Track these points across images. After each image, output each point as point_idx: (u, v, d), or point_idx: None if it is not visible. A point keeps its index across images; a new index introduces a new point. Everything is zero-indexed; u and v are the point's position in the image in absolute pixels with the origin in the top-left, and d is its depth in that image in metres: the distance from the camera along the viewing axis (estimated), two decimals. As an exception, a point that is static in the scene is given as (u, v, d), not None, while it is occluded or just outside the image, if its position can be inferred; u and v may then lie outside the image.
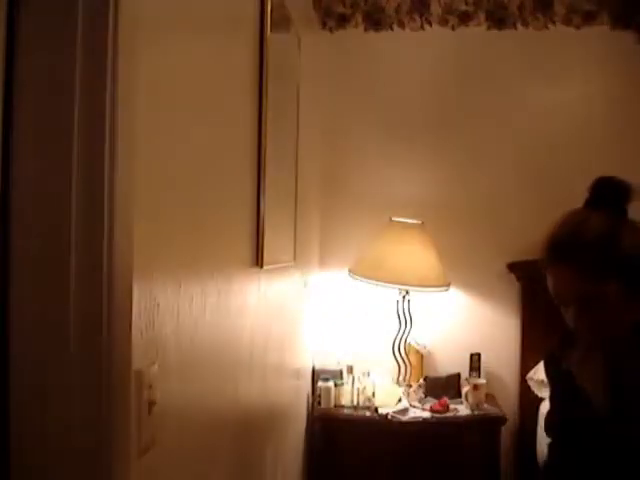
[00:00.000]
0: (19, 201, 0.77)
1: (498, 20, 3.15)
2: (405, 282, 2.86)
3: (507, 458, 2.94)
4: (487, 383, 2.91)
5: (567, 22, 3.10)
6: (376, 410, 2.80)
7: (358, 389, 2.86)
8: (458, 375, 2.97)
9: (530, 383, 2.94)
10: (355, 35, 3.22)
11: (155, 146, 0.99)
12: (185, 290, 1.13)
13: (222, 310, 1.38)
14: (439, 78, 3.20)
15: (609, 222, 1.26)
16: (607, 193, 1.29)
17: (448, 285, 2.93)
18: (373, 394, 2.83)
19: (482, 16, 3.16)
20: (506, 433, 2.86)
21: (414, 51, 3.21)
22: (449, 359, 3.10)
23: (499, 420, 2.80)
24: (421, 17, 3.19)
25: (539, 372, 2.85)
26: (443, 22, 3.18)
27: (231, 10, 1.47)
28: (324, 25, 3.21)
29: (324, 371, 2.98)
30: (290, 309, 2.45)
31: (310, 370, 3.03)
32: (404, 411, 2.77)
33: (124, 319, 0.84)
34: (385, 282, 2.86)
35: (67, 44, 0.77)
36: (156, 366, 0.98)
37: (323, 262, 3.23)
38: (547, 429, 1.45)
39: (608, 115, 3.09)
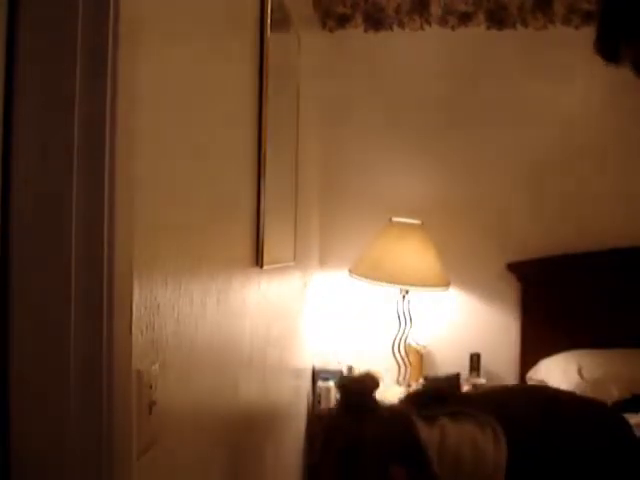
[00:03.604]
0: (19, 201, 0.77)
1: (498, 20, 3.15)
2: (405, 282, 2.86)
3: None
4: (487, 383, 2.91)
5: (567, 22, 3.10)
6: (376, 410, 2.79)
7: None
8: (458, 375, 2.97)
9: (530, 383, 2.94)
10: (355, 35, 3.21)
11: (155, 146, 0.99)
12: (185, 290, 1.13)
13: (222, 310, 1.38)
14: (439, 78, 3.20)
15: (350, 437, 1.34)
16: (349, 396, 1.42)
17: (448, 285, 2.93)
18: (373, 394, 2.82)
19: (482, 16, 3.16)
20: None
21: (414, 51, 3.21)
22: (449, 359, 3.10)
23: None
24: (421, 17, 3.19)
25: (539, 372, 2.85)
26: (443, 22, 3.18)
27: (231, 10, 1.48)
28: (324, 25, 3.21)
29: (324, 371, 2.98)
30: (290, 309, 2.45)
31: (310, 370, 3.03)
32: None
33: (124, 319, 0.84)
34: (385, 282, 2.86)
35: (67, 43, 0.77)
36: (156, 366, 0.98)
37: (323, 262, 3.23)
38: None
39: (608, 115, 3.09)
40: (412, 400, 1.53)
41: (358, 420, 1.36)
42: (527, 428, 1.34)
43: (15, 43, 0.77)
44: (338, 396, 1.45)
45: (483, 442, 1.30)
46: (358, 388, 1.43)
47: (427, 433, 1.34)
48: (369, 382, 1.43)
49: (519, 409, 1.45)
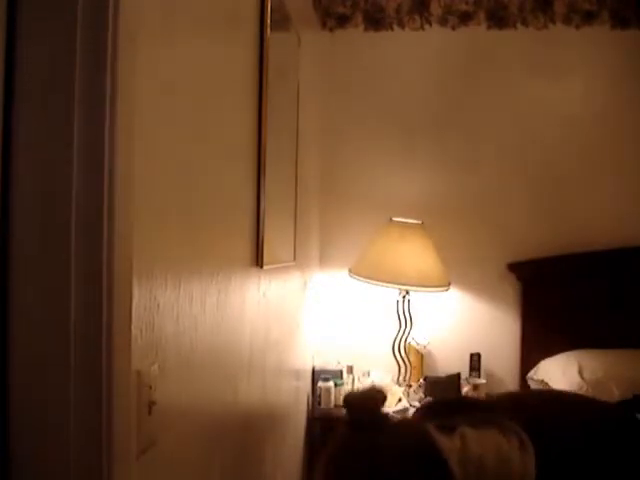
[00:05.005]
0: (19, 201, 0.77)
1: (498, 20, 3.15)
2: (405, 282, 2.85)
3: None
4: (487, 383, 2.91)
5: (567, 22, 3.10)
6: (376, 410, 2.78)
7: (358, 389, 2.85)
8: (458, 375, 2.97)
9: (530, 383, 2.94)
10: (355, 35, 3.21)
11: (155, 146, 0.99)
12: (185, 290, 1.13)
13: (222, 310, 1.38)
14: (439, 78, 3.20)
15: (367, 452, 1.24)
16: (358, 413, 1.30)
17: (448, 285, 2.93)
18: (373, 394, 2.82)
19: (482, 16, 3.16)
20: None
21: (414, 51, 3.21)
22: (449, 359, 3.10)
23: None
24: (421, 17, 3.19)
25: (539, 372, 2.85)
26: (443, 22, 3.18)
27: (231, 10, 1.47)
28: (324, 25, 3.21)
29: (324, 371, 2.98)
30: (290, 309, 2.45)
31: (310, 370, 3.03)
32: (404, 411, 2.77)
33: (124, 319, 0.83)
34: (385, 282, 2.86)
35: (67, 43, 0.76)
36: (156, 366, 0.98)
37: (323, 262, 3.23)
38: None
39: (608, 115, 3.09)
40: (426, 411, 1.43)
41: (370, 439, 1.25)
42: (564, 441, 1.27)
43: (14, 44, 0.77)
44: (345, 413, 1.33)
45: (508, 450, 1.22)
46: (365, 404, 1.32)
47: (446, 443, 1.24)
48: (376, 396, 1.33)
49: (555, 420, 1.37)
